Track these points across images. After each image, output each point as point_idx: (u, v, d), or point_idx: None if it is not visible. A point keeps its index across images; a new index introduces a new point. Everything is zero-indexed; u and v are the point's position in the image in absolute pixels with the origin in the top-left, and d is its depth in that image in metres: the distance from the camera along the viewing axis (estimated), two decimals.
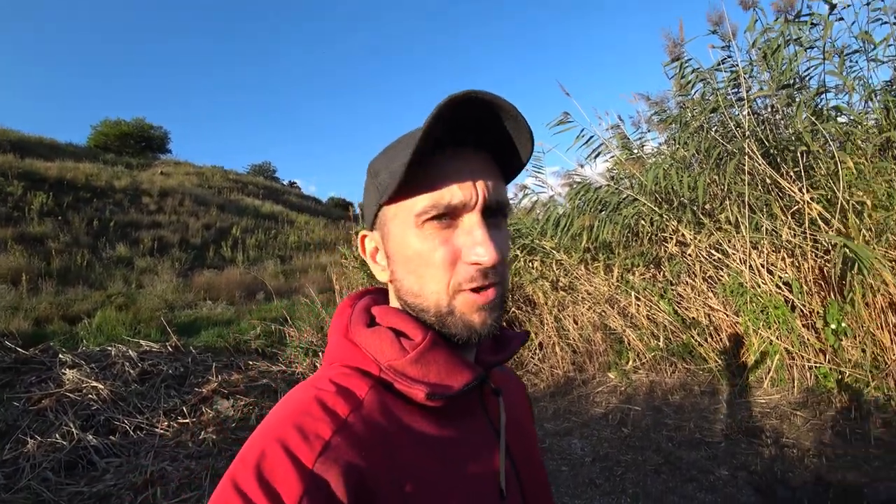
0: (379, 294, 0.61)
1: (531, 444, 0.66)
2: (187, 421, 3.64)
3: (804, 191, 3.18)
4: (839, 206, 3.08)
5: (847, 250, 2.91)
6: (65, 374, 4.06)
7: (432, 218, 0.48)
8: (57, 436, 3.20)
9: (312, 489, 0.38)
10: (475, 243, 0.48)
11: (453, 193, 0.48)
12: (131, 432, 3.38)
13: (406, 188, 0.47)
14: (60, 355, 4.53)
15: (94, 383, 3.91)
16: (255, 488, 0.37)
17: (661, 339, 4.16)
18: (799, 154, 3.11)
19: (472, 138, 0.49)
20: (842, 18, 3.20)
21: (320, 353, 5.35)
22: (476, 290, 0.49)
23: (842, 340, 3.34)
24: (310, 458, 0.39)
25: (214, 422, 3.65)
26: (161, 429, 3.47)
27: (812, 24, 3.16)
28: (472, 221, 0.49)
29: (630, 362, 4.28)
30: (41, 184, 12.35)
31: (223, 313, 7.64)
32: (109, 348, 4.86)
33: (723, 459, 2.72)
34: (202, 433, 3.44)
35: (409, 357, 0.47)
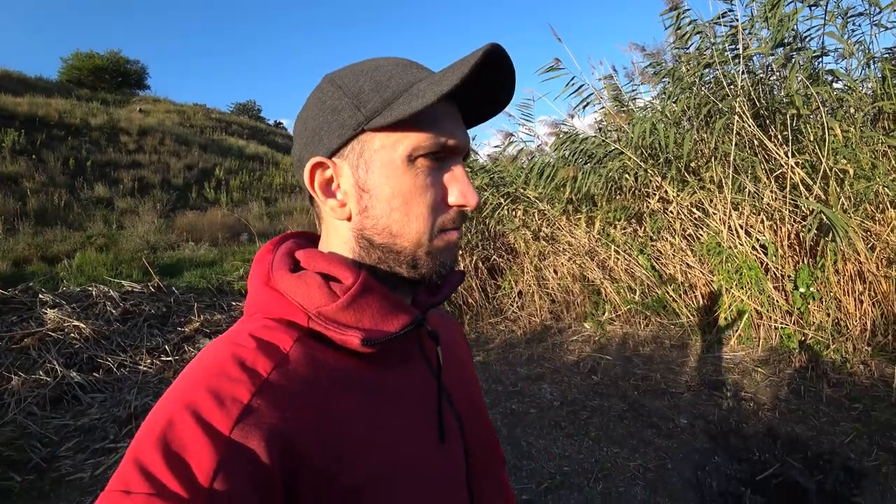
0: (303, 238, 0.57)
1: (471, 386, 0.65)
2: (170, 359, 3.71)
3: (789, 155, 3.19)
4: (822, 172, 3.10)
5: (824, 217, 2.96)
6: (46, 314, 4.06)
7: (428, 155, 0.46)
8: (41, 373, 3.24)
9: (230, 460, 0.34)
10: (463, 187, 0.48)
11: (449, 136, 0.47)
12: (115, 369, 3.44)
13: (407, 121, 0.44)
14: (41, 295, 4.50)
15: (76, 322, 3.93)
16: (160, 464, 0.33)
17: (638, 293, 4.28)
18: (788, 117, 3.09)
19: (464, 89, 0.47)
20: None
21: None
22: (452, 230, 0.49)
23: (809, 304, 3.47)
24: (226, 424, 0.35)
25: None
26: (144, 366, 3.54)
27: None
28: (459, 166, 0.49)
29: (606, 314, 4.42)
30: (11, 121, 11.72)
31: (206, 254, 7.59)
32: (91, 288, 4.84)
33: (683, 409, 2.88)
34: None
35: (340, 302, 0.44)
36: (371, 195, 0.47)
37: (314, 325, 0.44)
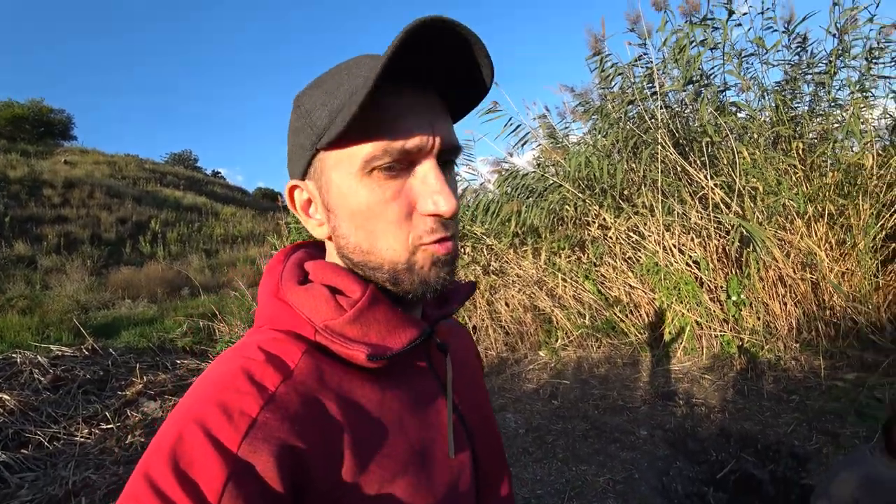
0: (314, 248, 0.56)
1: (482, 399, 0.62)
2: (111, 426, 3.41)
3: (708, 177, 3.54)
4: (737, 191, 3.46)
5: (743, 230, 3.28)
6: None
7: (384, 165, 0.42)
8: None
9: (238, 475, 0.34)
10: (432, 192, 0.43)
11: (407, 137, 0.42)
12: (46, 443, 3.12)
13: (354, 131, 0.40)
14: None
15: None
16: (169, 480, 0.33)
17: (587, 317, 4.46)
18: (704, 145, 3.46)
19: (424, 72, 0.43)
20: (740, 24, 3.57)
21: None
22: (436, 242, 0.44)
23: (741, 310, 3.77)
24: (234, 439, 0.35)
25: (142, 425, 3.46)
26: (81, 437, 3.24)
27: (713, 27, 3.50)
28: (426, 168, 0.43)
29: (559, 340, 4.55)
30: None
31: (145, 312, 7.14)
32: (14, 356, 4.41)
33: (642, 421, 3.01)
34: (129, 437, 3.26)
35: (346, 316, 0.43)
36: (336, 215, 0.46)
37: (320, 339, 0.44)
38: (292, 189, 0.49)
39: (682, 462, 2.50)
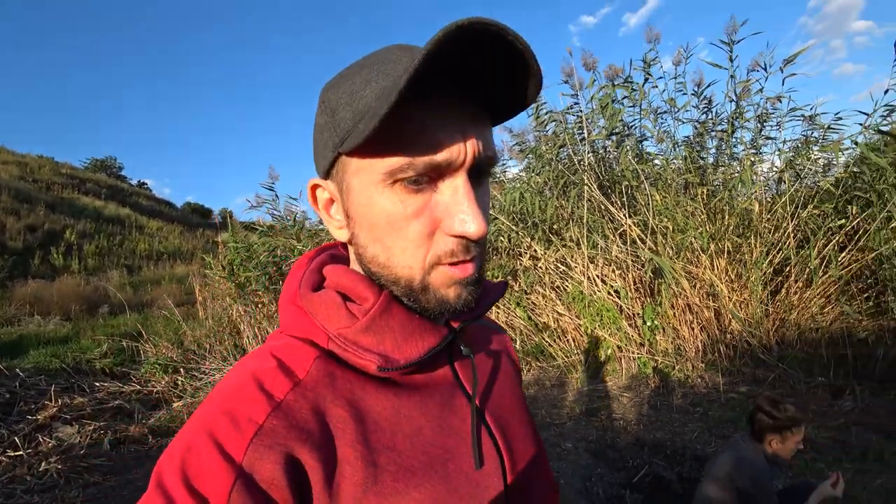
0: (340, 250, 0.55)
1: (515, 407, 0.56)
2: (21, 453, 3.17)
3: (627, 216, 3.99)
4: (651, 229, 3.93)
5: (655, 264, 3.73)
6: None
7: (406, 179, 0.39)
8: None
9: (242, 483, 0.35)
10: (461, 212, 0.39)
11: (436, 150, 0.38)
12: None
13: (378, 139, 0.37)
14: None
15: None
16: (180, 489, 0.35)
17: (518, 342, 4.75)
18: (624, 187, 3.92)
19: (464, 79, 0.39)
20: (656, 86, 4.13)
21: (181, 370, 5.00)
22: (454, 264, 0.42)
23: (655, 335, 4.22)
24: (240, 446, 0.36)
25: (57, 451, 3.24)
26: None
27: (632, 89, 4.03)
28: (456, 185, 0.40)
29: None
30: None
31: (57, 330, 6.59)
32: None
33: (567, 435, 3.28)
34: (42, 464, 3.05)
35: (359, 324, 0.42)
36: (355, 223, 0.44)
37: (333, 347, 0.43)
38: (315, 187, 0.47)
39: (602, 469, 2.77)
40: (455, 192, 0.40)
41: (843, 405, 3.46)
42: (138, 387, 4.71)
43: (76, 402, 4.07)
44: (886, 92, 4.27)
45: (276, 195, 5.03)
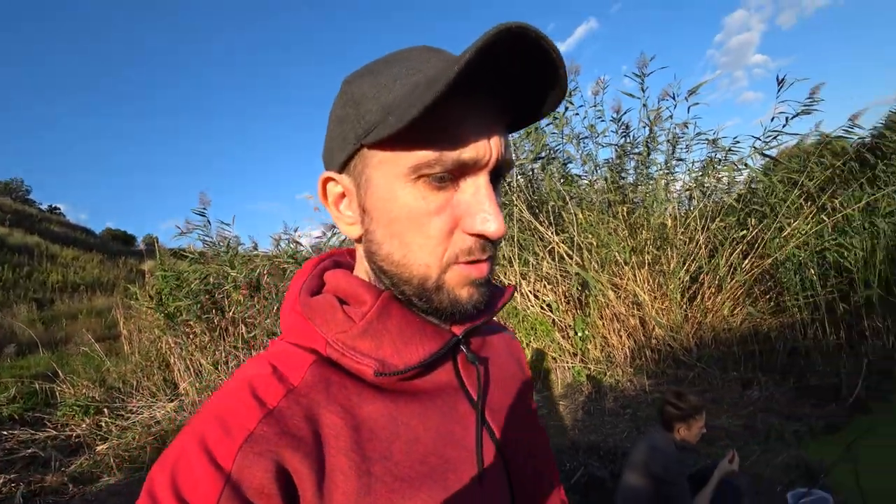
0: (346, 257, 0.54)
1: (523, 416, 0.54)
2: None
3: (555, 234, 4.27)
4: (576, 245, 4.23)
5: (582, 278, 4.01)
6: None
7: (432, 174, 0.39)
8: None
9: (230, 490, 0.34)
10: (482, 212, 0.40)
11: (464, 148, 0.39)
12: None
13: (406, 133, 0.37)
14: None
15: None
16: (168, 497, 0.34)
17: None
18: (550, 207, 4.20)
19: (492, 81, 0.40)
20: (577, 113, 4.51)
21: (105, 410, 4.66)
22: (470, 263, 0.42)
23: (587, 344, 4.49)
24: (229, 452, 0.35)
25: None
26: None
27: (554, 117, 4.37)
28: (479, 184, 0.41)
29: None
30: None
31: None
32: None
33: None
34: None
35: (356, 327, 0.42)
36: (371, 218, 0.43)
37: (331, 353, 0.43)
38: (326, 180, 0.46)
39: None
40: (477, 192, 0.41)
41: (751, 395, 3.86)
42: (54, 432, 4.33)
43: None
44: (773, 119, 4.93)
45: (209, 221, 4.89)
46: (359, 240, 0.46)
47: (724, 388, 4.03)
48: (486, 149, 0.40)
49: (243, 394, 0.39)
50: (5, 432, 4.30)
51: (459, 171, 0.40)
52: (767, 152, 4.84)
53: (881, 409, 3.34)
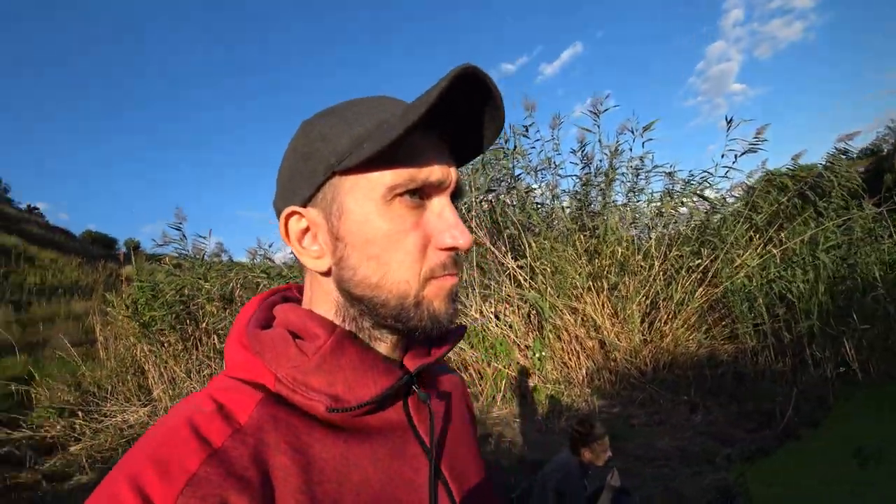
0: (293, 292, 0.54)
1: (472, 458, 0.55)
2: None
3: (510, 260, 4.55)
4: (531, 270, 4.50)
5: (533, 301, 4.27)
6: None
7: (406, 193, 0.42)
8: None
9: None
10: (451, 227, 0.44)
11: (431, 170, 0.43)
12: None
13: (380, 158, 0.40)
14: None
15: None
16: None
17: None
18: (506, 236, 4.49)
19: (445, 119, 0.45)
20: (533, 147, 4.85)
21: (79, 413, 4.80)
22: (446, 276, 0.44)
23: (545, 364, 4.72)
24: (168, 497, 0.33)
25: None
26: None
27: (504, 153, 4.72)
28: (444, 204, 0.45)
29: None
30: None
31: None
32: None
33: None
34: None
35: (309, 363, 0.41)
36: (346, 243, 0.44)
37: (281, 389, 0.42)
38: (290, 216, 0.46)
39: None
40: (444, 210, 0.44)
41: (694, 419, 4.11)
42: (29, 432, 4.46)
43: None
44: (723, 156, 5.29)
45: (184, 235, 5.08)
46: (326, 272, 0.46)
47: (672, 411, 4.26)
48: (447, 172, 0.44)
49: (184, 432, 0.37)
50: None
51: (427, 192, 0.44)
52: (719, 187, 5.18)
53: (810, 435, 3.55)
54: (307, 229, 0.46)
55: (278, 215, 0.47)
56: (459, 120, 0.46)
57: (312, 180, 0.44)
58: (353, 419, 0.43)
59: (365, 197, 0.42)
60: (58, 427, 4.55)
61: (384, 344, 0.47)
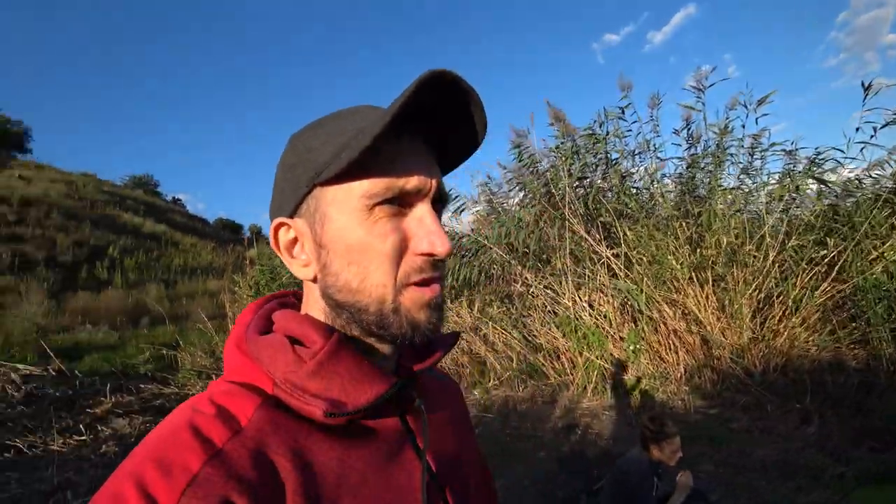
0: (290, 298, 0.56)
1: (469, 462, 0.58)
2: (84, 438, 3.79)
3: (604, 249, 4.43)
4: (625, 259, 4.35)
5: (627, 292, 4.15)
6: None
7: (385, 202, 0.43)
8: None
9: None
10: (429, 232, 0.44)
11: (409, 178, 0.44)
12: (25, 450, 3.48)
13: (357, 167, 0.42)
14: None
15: None
16: None
17: (515, 361, 5.13)
18: (599, 223, 4.37)
19: (424, 127, 0.46)
20: (630, 130, 4.63)
21: (214, 376, 5.62)
22: (423, 284, 0.45)
23: (640, 357, 4.57)
24: (171, 497, 0.33)
25: (114, 437, 3.86)
26: (56, 446, 3.61)
27: (595, 140, 4.56)
28: (424, 210, 0.45)
29: (490, 381, 5.19)
30: None
31: (106, 338, 7.38)
32: None
33: (544, 446, 3.69)
34: (103, 447, 3.66)
35: (307, 368, 0.42)
36: (328, 251, 0.45)
37: (279, 393, 0.43)
38: (278, 227, 0.48)
39: (566, 476, 3.17)
40: (423, 217, 0.45)
41: (806, 430, 3.74)
42: (176, 389, 5.36)
43: (126, 400, 4.72)
44: (858, 130, 4.57)
45: None
46: (313, 280, 0.48)
47: (780, 419, 3.91)
48: (427, 179, 0.45)
49: (185, 434, 0.38)
50: (142, 385, 5.39)
51: (406, 201, 0.45)
52: (851, 167, 4.56)
53: None
54: (295, 239, 0.48)
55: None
56: (446, 123, 0.47)
57: (297, 192, 0.46)
58: (349, 424, 0.44)
59: (345, 205, 0.44)
60: (197, 387, 5.40)
61: (378, 350, 0.48)
